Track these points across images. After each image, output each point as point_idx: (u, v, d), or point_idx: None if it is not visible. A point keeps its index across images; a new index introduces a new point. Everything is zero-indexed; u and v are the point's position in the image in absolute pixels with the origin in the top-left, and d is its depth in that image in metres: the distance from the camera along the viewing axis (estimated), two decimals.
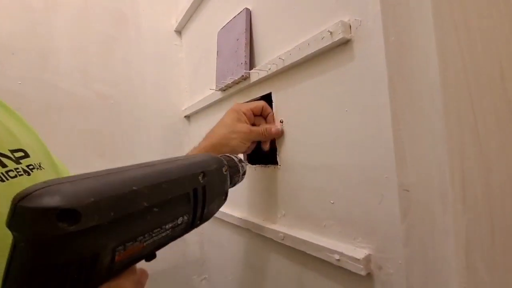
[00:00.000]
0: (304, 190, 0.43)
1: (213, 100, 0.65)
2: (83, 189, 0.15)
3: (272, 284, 0.53)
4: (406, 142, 0.24)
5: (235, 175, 0.34)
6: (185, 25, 0.83)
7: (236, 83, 0.53)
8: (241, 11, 0.52)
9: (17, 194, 0.14)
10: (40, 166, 0.33)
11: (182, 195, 0.22)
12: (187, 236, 0.26)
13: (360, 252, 0.34)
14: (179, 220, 0.22)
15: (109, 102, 0.74)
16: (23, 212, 0.13)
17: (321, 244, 0.38)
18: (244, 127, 0.46)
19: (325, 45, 0.35)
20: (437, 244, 0.22)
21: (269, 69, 0.45)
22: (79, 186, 0.15)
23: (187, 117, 0.86)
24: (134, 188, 0.17)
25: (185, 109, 0.83)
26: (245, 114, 0.47)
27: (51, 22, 0.69)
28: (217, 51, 0.61)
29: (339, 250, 0.35)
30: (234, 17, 0.54)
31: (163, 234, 0.21)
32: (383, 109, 0.30)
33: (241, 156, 0.39)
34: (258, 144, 0.62)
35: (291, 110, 0.44)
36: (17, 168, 0.29)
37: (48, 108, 0.67)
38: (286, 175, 0.47)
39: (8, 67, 0.63)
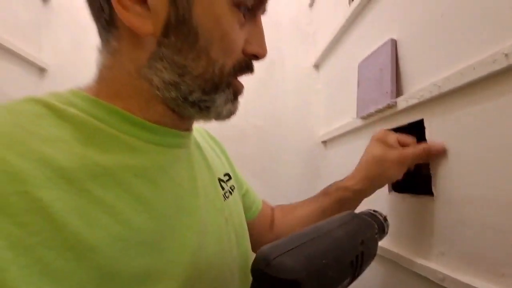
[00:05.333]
0: (472, 228, 0.38)
1: (353, 127, 0.68)
2: (298, 262, 0.19)
3: None
4: None
5: (382, 236, 0.36)
6: (323, 60, 0.92)
7: (380, 111, 0.55)
8: (385, 42, 0.54)
9: (259, 260, 0.19)
10: (235, 186, 0.42)
11: (349, 262, 0.24)
12: None
13: None
14: (344, 283, 0.24)
15: (261, 131, 0.92)
16: (267, 278, 0.19)
17: None
18: (396, 153, 0.43)
19: (498, 68, 0.32)
20: None
21: (421, 95, 0.44)
22: (296, 260, 0.20)
23: (324, 142, 0.92)
24: (324, 261, 0.21)
25: (322, 135, 0.90)
26: (392, 140, 0.45)
27: None
28: (358, 81, 0.64)
29: None
30: (377, 48, 0.57)
31: None
32: None
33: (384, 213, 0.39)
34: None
35: (451, 137, 0.41)
36: (226, 191, 0.37)
37: (221, 139, 0.91)
38: (446, 208, 0.42)
39: None
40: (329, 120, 0.88)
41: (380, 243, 0.58)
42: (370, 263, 0.29)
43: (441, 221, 0.43)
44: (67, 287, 0.17)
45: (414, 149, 0.43)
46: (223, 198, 0.36)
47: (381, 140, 0.46)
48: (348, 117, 0.70)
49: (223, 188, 0.38)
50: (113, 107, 0.26)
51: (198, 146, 0.38)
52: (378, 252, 0.58)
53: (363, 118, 0.61)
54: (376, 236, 0.31)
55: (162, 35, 0.25)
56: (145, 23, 0.24)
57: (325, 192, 0.49)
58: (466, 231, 0.39)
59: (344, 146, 0.78)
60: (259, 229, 0.46)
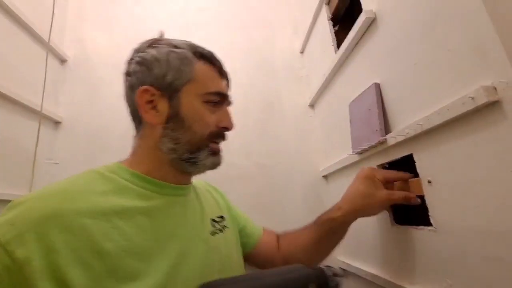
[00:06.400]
0: (474, 259, 0.39)
1: (350, 162, 0.72)
2: None
3: None
4: None
5: None
6: (317, 100, 0.98)
7: (373, 147, 0.58)
8: (370, 86, 0.60)
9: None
10: (227, 226, 0.53)
11: None
12: None
13: None
14: None
15: (265, 170, 0.95)
16: None
17: None
18: (383, 195, 0.51)
19: (467, 109, 0.36)
20: None
21: (407, 133, 0.48)
22: None
23: (325, 176, 0.94)
24: None
25: (322, 170, 0.93)
26: (380, 181, 0.52)
27: None
28: (350, 120, 0.69)
29: None
30: (364, 91, 0.62)
31: None
32: None
33: (337, 270, 0.42)
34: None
35: (439, 170, 0.44)
36: (217, 229, 0.50)
37: (225, 179, 0.93)
38: (447, 239, 0.44)
39: None
40: (328, 155, 0.92)
41: (387, 277, 0.58)
42: None
43: (445, 252, 0.44)
44: (95, 272, 0.32)
45: (399, 194, 0.51)
46: (211, 233, 0.48)
47: (369, 178, 0.53)
48: (345, 152, 0.74)
49: (214, 226, 0.50)
50: (135, 172, 0.43)
51: (196, 194, 0.53)
52: (386, 286, 0.57)
53: (358, 153, 0.65)
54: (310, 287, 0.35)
55: (165, 123, 0.44)
56: (156, 119, 0.44)
57: (318, 222, 0.57)
58: (469, 262, 0.40)
59: (344, 179, 0.80)
60: (267, 250, 0.59)
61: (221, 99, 0.47)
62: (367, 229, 0.68)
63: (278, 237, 0.63)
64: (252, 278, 0.31)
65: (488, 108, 0.35)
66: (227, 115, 0.48)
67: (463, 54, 0.38)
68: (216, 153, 0.47)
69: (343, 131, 0.77)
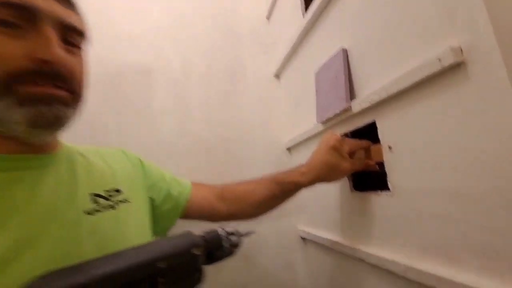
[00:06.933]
0: (425, 218, 0.41)
1: (314, 133, 0.71)
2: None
3: None
4: None
5: (218, 251, 0.36)
6: (283, 70, 0.95)
7: (337, 115, 0.57)
8: (337, 51, 0.58)
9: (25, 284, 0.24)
10: (126, 200, 0.42)
11: (140, 281, 0.26)
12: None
13: None
14: None
15: (227, 141, 0.91)
16: None
17: (459, 280, 0.35)
18: (348, 166, 0.53)
19: (433, 71, 0.36)
20: None
21: (372, 99, 0.47)
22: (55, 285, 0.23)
23: (289, 149, 0.94)
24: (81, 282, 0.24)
25: (287, 141, 0.92)
26: (347, 152, 0.54)
27: (187, 86, 0.93)
28: (316, 88, 0.67)
29: None
30: (331, 58, 0.60)
31: None
32: None
33: (233, 228, 0.41)
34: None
35: (400, 135, 0.44)
36: (103, 206, 0.39)
37: (185, 149, 0.88)
38: (401, 201, 0.45)
39: (164, 122, 0.87)
40: (292, 127, 0.91)
41: (345, 242, 0.60)
42: (191, 281, 0.30)
43: (400, 214, 0.46)
44: None
45: (361, 164, 0.55)
46: (88, 212, 0.37)
47: (337, 150, 0.53)
48: (310, 123, 0.73)
49: (97, 203, 0.39)
50: None
51: (72, 164, 0.40)
52: (344, 250, 0.60)
53: (323, 122, 0.64)
54: (197, 253, 0.32)
55: None
56: None
57: (277, 181, 0.57)
58: (422, 222, 0.42)
59: (308, 151, 0.80)
60: (201, 206, 0.55)
61: (24, 15, 0.31)
62: (326, 198, 0.69)
63: (221, 190, 0.59)
64: (102, 263, 0.26)
65: (453, 70, 0.35)
66: (44, 41, 0.32)
67: (431, 16, 0.37)
68: (34, 100, 0.31)
69: (309, 101, 0.75)
